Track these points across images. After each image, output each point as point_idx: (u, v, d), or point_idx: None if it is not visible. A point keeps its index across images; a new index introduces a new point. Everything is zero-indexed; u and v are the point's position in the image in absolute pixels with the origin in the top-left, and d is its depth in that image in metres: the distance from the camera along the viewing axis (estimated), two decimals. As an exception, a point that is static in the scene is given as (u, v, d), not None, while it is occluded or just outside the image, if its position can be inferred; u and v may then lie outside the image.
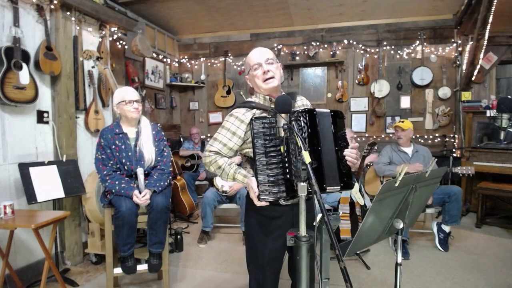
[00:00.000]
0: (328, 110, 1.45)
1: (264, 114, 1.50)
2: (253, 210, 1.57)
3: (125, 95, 2.36)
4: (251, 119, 1.38)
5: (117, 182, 2.28)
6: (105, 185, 2.31)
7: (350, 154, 1.42)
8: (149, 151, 2.38)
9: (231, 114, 1.54)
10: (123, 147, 2.34)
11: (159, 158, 2.43)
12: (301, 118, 1.36)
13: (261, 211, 1.52)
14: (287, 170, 1.33)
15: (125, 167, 2.34)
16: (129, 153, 2.34)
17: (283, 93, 1.61)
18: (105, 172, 2.31)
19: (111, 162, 2.33)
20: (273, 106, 1.53)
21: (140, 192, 2.29)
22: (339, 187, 1.39)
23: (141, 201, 2.23)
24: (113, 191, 2.26)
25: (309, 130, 1.36)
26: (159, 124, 2.65)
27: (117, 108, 2.39)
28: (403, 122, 3.38)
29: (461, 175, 3.34)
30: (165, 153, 2.48)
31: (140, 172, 2.31)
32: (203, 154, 1.58)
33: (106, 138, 2.33)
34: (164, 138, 2.53)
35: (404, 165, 3.19)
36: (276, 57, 1.59)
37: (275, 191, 1.33)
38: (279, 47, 5.37)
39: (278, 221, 1.51)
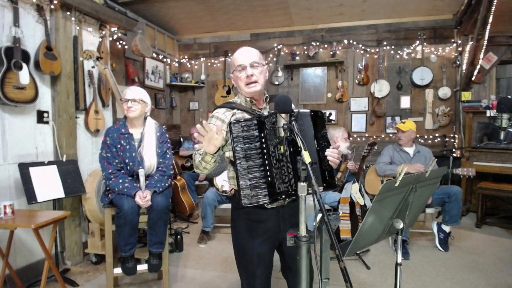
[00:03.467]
0: (308, 110, 1.45)
1: (245, 115, 1.49)
2: (239, 213, 1.56)
3: (125, 94, 2.37)
4: (230, 123, 1.35)
5: (120, 181, 2.28)
6: (108, 183, 2.31)
7: (332, 154, 1.42)
8: (149, 158, 2.37)
9: (212, 116, 1.54)
10: (127, 147, 2.34)
11: (161, 160, 2.43)
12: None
13: (247, 215, 1.51)
14: (268, 173, 1.31)
15: (128, 167, 2.34)
16: (133, 154, 2.34)
17: (267, 95, 1.59)
18: (110, 170, 2.31)
19: (116, 161, 2.33)
20: (254, 108, 1.53)
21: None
22: (321, 188, 1.40)
23: (142, 202, 2.23)
24: (116, 189, 2.26)
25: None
26: (164, 126, 2.64)
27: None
28: (404, 123, 3.37)
29: (461, 176, 3.33)
30: (168, 156, 2.47)
31: (141, 173, 2.31)
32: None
33: (112, 137, 2.34)
34: (168, 140, 2.52)
35: (404, 165, 3.19)
36: (263, 58, 1.56)
37: (257, 195, 1.31)
38: (279, 47, 5.37)
39: (265, 224, 1.49)
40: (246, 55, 1.50)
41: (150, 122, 2.46)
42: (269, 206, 1.46)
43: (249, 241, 1.52)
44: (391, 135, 5.09)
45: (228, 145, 1.47)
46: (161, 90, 5.31)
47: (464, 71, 4.53)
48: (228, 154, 1.49)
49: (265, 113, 1.52)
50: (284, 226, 1.48)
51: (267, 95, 1.60)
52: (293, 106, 1.63)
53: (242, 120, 1.35)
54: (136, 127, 2.42)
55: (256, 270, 1.52)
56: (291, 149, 1.38)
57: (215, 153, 1.37)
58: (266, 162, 1.32)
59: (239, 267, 1.61)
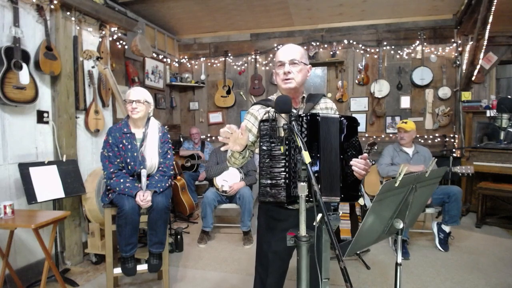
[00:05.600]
0: (337, 116, 1.39)
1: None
2: (262, 210, 1.61)
3: (128, 95, 2.37)
4: (260, 121, 1.36)
5: (121, 181, 2.28)
6: (109, 182, 2.31)
7: (357, 165, 1.34)
8: (151, 157, 2.37)
9: (248, 111, 1.60)
10: (129, 146, 2.34)
11: (161, 160, 2.43)
12: (302, 123, 1.34)
13: (269, 212, 1.55)
14: (287, 175, 1.31)
15: (129, 167, 2.34)
16: (134, 153, 2.34)
17: (304, 95, 1.58)
18: (111, 170, 2.31)
19: (118, 160, 2.33)
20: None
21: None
22: (338, 198, 1.35)
23: (143, 203, 2.23)
24: (117, 189, 2.26)
25: (309, 136, 1.33)
26: (166, 127, 2.65)
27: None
28: (406, 123, 3.36)
29: (460, 174, 3.33)
30: (169, 156, 2.47)
31: (143, 173, 2.32)
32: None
33: (114, 137, 2.34)
34: (170, 141, 2.52)
35: (404, 165, 3.18)
36: (306, 57, 1.53)
37: (274, 194, 1.32)
38: (279, 47, 5.37)
39: (284, 223, 1.51)
40: (286, 52, 1.50)
41: (153, 123, 2.47)
42: (290, 207, 1.47)
43: (267, 237, 1.56)
44: (391, 135, 5.09)
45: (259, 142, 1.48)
46: (161, 90, 5.30)
47: (464, 71, 4.53)
48: (257, 151, 1.50)
49: (300, 113, 1.50)
50: None
51: (304, 95, 1.58)
52: (319, 108, 1.59)
53: (272, 119, 1.33)
54: (138, 127, 2.42)
55: (270, 266, 1.55)
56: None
57: (243, 150, 1.40)
58: (287, 164, 1.31)
59: (256, 260, 1.65)
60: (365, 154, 1.37)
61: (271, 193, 1.32)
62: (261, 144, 1.34)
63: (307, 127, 1.34)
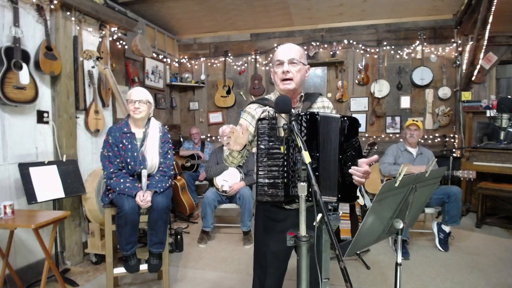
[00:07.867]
0: (338, 115, 1.38)
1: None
2: (259, 208, 1.59)
3: (130, 95, 2.38)
4: (258, 119, 1.35)
5: (121, 181, 2.28)
6: (109, 182, 2.31)
7: (356, 173, 1.32)
8: (152, 157, 2.37)
9: (245, 110, 1.58)
10: (129, 146, 2.34)
11: (162, 160, 2.43)
12: (302, 121, 1.33)
13: (266, 213, 1.54)
14: (285, 175, 1.31)
15: (129, 167, 2.34)
16: (135, 153, 2.34)
17: (301, 94, 1.56)
18: (111, 170, 2.31)
19: (118, 160, 2.33)
20: None
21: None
22: (335, 198, 1.35)
23: (142, 202, 2.23)
24: (117, 189, 2.26)
25: (308, 135, 1.32)
26: (166, 127, 2.65)
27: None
28: (417, 121, 3.36)
29: (461, 178, 3.32)
30: (169, 156, 2.47)
31: (144, 174, 2.32)
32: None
33: (114, 136, 2.34)
34: (170, 141, 2.52)
35: (404, 165, 3.18)
36: (304, 57, 1.52)
37: (272, 194, 1.31)
38: (278, 47, 5.36)
39: (282, 224, 1.50)
40: (286, 51, 1.49)
41: (154, 123, 2.47)
42: (288, 207, 1.46)
43: (265, 238, 1.54)
44: (391, 135, 5.09)
45: (256, 141, 1.46)
46: (161, 90, 5.30)
47: (464, 71, 4.53)
48: (255, 150, 1.48)
49: (298, 112, 1.49)
50: None
51: (302, 94, 1.57)
52: (316, 107, 1.59)
53: (269, 118, 1.33)
54: (139, 127, 2.42)
55: (269, 267, 1.53)
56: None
57: (242, 149, 1.40)
58: (285, 163, 1.31)
59: (254, 261, 1.63)
60: (365, 159, 1.35)
61: (269, 193, 1.31)
62: (259, 142, 1.33)
63: (306, 126, 1.34)
